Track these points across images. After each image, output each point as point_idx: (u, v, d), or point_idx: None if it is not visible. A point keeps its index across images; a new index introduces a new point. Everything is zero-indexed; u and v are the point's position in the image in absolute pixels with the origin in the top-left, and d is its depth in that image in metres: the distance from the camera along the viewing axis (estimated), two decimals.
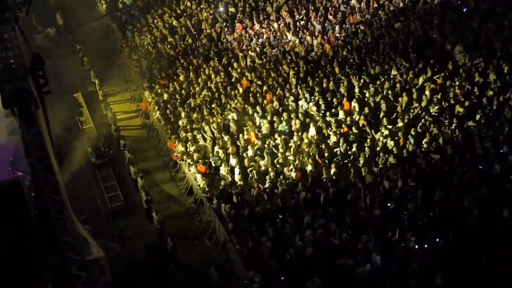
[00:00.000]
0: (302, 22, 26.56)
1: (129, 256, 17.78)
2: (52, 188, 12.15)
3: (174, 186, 21.09)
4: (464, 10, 25.37)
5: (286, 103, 21.81)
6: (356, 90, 21.56)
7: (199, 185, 19.38)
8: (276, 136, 20.12)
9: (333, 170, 18.50)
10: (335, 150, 19.40)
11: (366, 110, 20.48)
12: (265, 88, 22.65)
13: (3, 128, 23.91)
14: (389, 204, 17.18)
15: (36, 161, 11.85)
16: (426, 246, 15.61)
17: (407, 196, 17.16)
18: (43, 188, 12.21)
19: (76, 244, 12.90)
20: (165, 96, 23.55)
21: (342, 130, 19.92)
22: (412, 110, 20.27)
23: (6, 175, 20.62)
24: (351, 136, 19.69)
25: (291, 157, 19.27)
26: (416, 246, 15.63)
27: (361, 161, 18.69)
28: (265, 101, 21.98)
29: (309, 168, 18.70)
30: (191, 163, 19.90)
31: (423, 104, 20.36)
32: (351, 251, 15.84)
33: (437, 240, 15.68)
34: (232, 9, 28.05)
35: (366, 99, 21.17)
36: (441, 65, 22.03)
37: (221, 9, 28.21)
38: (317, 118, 20.73)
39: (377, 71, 22.49)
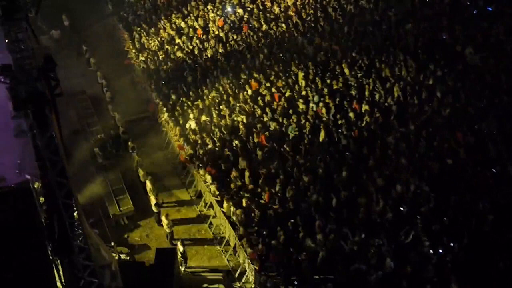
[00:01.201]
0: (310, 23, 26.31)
1: (139, 260, 17.59)
2: (65, 193, 11.94)
3: (184, 189, 20.88)
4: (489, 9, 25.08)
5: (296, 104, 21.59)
6: (366, 92, 21.33)
7: (209, 189, 19.15)
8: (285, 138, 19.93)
9: (344, 173, 18.28)
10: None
11: (377, 112, 20.27)
12: (274, 89, 22.42)
13: (10, 130, 23.86)
14: (401, 208, 17.01)
15: (49, 165, 11.60)
16: (440, 251, 15.42)
17: (420, 200, 16.98)
18: (56, 193, 11.98)
19: (88, 250, 12.69)
20: (173, 97, 23.35)
21: (353, 133, 19.70)
22: (423, 112, 20.05)
23: (14, 178, 20.56)
24: (362, 138, 19.47)
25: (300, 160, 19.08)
26: (431, 251, 15.44)
27: (372, 164, 18.47)
28: (274, 103, 21.73)
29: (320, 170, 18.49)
30: (201, 165, 19.69)
31: (435, 106, 20.16)
32: (364, 256, 15.67)
33: (452, 244, 15.49)
34: (240, 10, 27.80)
35: (376, 101, 20.96)
36: (451, 66, 21.83)
37: (229, 9, 27.99)
38: (327, 120, 20.50)
39: (386, 73, 22.28)
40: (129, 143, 22.10)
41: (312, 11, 27.19)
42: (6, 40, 11.06)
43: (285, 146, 19.66)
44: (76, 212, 12.50)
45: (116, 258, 15.93)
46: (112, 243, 17.81)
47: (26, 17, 12.56)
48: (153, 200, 19.16)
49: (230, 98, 22.53)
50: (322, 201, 17.50)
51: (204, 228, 19.17)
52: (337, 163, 18.75)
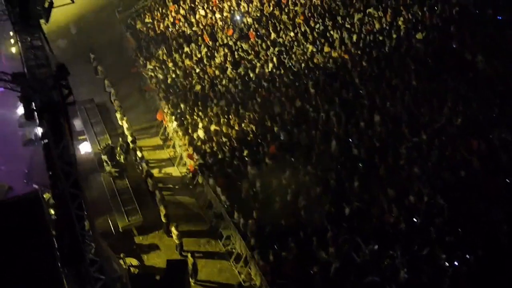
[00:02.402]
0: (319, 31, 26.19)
1: (149, 272, 17.36)
2: (78, 204, 11.74)
3: (193, 199, 20.65)
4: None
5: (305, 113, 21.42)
6: (377, 101, 21.15)
7: (219, 199, 18.94)
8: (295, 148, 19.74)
9: (356, 183, 18.07)
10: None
11: (388, 121, 20.09)
12: (283, 99, 22.26)
13: (17, 139, 23.79)
14: (415, 219, 16.77)
15: (63, 176, 11.40)
16: (456, 263, 15.16)
17: (434, 211, 16.74)
18: (68, 204, 11.78)
19: (101, 263, 12.48)
20: (182, 106, 23.20)
21: (364, 142, 19.49)
22: (435, 121, 19.86)
23: (21, 188, 20.42)
24: (373, 148, 19.27)
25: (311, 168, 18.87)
26: (446, 263, 15.19)
27: (384, 174, 18.25)
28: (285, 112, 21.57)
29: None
30: (210, 175, 19.48)
31: (446, 114, 19.97)
32: (378, 268, 15.42)
33: (468, 256, 15.23)
34: (249, 19, 27.71)
35: (387, 110, 20.78)
36: (462, 74, 21.66)
37: (237, 17, 27.91)
38: (338, 129, 20.31)
39: (397, 81, 22.12)
40: (138, 152, 21.93)
41: (320, 20, 27.06)
42: (21, 48, 10.93)
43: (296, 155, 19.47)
44: (88, 223, 12.30)
45: (127, 269, 15.68)
46: (122, 254, 17.58)
47: (39, 25, 12.47)
48: (162, 211, 18.95)
49: (239, 107, 22.36)
50: (334, 211, 17.30)
51: (214, 239, 18.88)
52: (349, 173, 18.55)
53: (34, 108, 11.86)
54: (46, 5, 13.65)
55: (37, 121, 12.90)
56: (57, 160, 11.28)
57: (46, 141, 12.94)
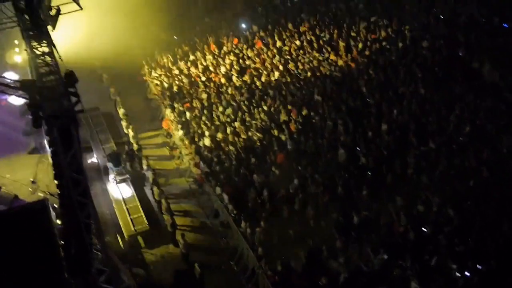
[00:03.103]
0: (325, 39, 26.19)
1: (155, 283, 17.16)
2: (87, 213, 11.61)
3: (199, 208, 20.48)
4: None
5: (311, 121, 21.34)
6: (384, 109, 21.05)
7: (226, 207, 18.78)
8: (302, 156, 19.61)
9: (364, 192, 17.92)
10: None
11: (395, 129, 19.97)
12: (290, 107, 22.17)
13: (22, 148, 23.67)
14: (424, 229, 16.60)
15: (72, 184, 11.27)
16: (467, 273, 14.97)
17: (443, 220, 16.58)
18: (77, 213, 11.65)
19: (109, 273, 12.33)
20: (188, 115, 23.10)
21: (371, 151, 19.36)
22: (443, 130, 19.74)
23: (27, 196, 20.29)
24: (381, 155, 19.14)
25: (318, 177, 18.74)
26: (457, 273, 15.00)
27: (392, 183, 18.11)
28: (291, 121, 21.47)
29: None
30: (217, 184, 19.34)
31: (453, 122, 19.86)
32: (388, 278, 15.23)
33: (479, 267, 15.04)
34: (254, 27, 27.70)
35: (394, 118, 20.67)
36: (469, 82, 21.58)
37: (243, 25, 27.89)
38: (345, 137, 20.19)
39: (403, 89, 22.05)
40: (144, 160, 21.78)
41: (326, 28, 27.07)
42: (30, 55, 10.84)
43: (303, 164, 19.34)
44: (97, 232, 12.17)
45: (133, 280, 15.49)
46: (128, 264, 17.41)
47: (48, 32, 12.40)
48: (168, 220, 18.78)
49: (246, 115, 22.26)
50: (343, 220, 17.16)
51: (221, 248, 18.69)
52: (357, 181, 18.41)
53: (42, 115, 11.77)
54: (53, 12, 13.66)
55: (44, 129, 12.83)
56: (66, 168, 11.14)
57: (53, 149, 12.91)
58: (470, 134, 19.44)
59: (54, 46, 12.33)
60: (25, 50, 12.63)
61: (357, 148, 19.66)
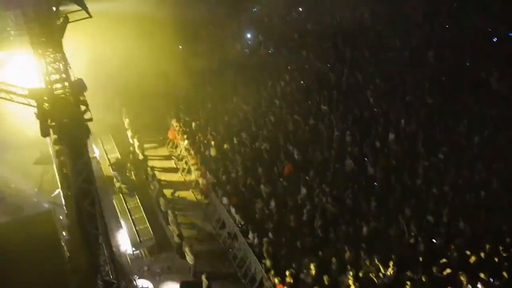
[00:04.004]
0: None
1: None
2: (96, 224, 11.40)
3: (206, 219, 20.23)
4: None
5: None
6: (391, 118, 20.92)
7: (232, 218, 18.55)
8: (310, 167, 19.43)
9: (373, 203, 17.71)
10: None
11: (403, 139, 19.82)
12: (296, 117, 22.02)
13: (28, 158, 23.45)
14: (434, 240, 16.37)
15: (81, 194, 11.05)
16: (479, 286, 14.70)
17: (454, 231, 16.35)
18: (85, 223, 11.42)
19: (117, 285, 12.10)
20: (193, 125, 22.94)
21: (379, 161, 19.18)
22: (452, 140, 19.59)
23: (32, 207, 20.07)
24: (389, 165, 18.95)
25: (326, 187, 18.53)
26: (469, 286, 14.73)
27: (401, 194, 17.90)
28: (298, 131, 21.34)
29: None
30: (223, 194, 19.13)
31: (462, 133, 19.72)
32: None
33: (491, 280, 14.78)
34: (260, 38, 27.67)
35: (402, 128, 20.52)
36: (477, 92, 21.47)
37: (249, 36, 27.85)
38: (353, 148, 20.02)
39: (410, 98, 21.95)
40: (149, 170, 21.57)
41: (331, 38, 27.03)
42: (39, 63, 10.68)
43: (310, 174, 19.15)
44: (105, 243, 11.95)
45: None
46: (134, 276, 17.17)
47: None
48: (175, 231, 18.53)
49: (252, 125, 22.11)
50: (352, 232, 16.94)
51: (228, 260, 18.43)
52: (365, 192, 18.22)
53: (51, 124, 11.60)
54: (61, 21, 13.54)
55: (51, 137, 12.63)
56: (76, 177, 10.93)
57: (61, 158, 12.71)
58: (479, 144, 19.28)
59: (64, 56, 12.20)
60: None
61: (365, 159, 19.48)
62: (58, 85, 10.79)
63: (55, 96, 10.54)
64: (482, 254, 15.41)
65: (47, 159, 22.69)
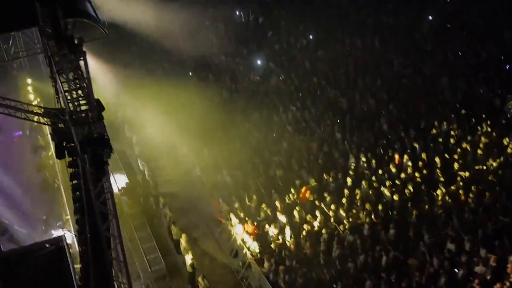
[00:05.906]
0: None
1: None
2: (115, 250, 10.88)
3: (219, 247, 19.66)
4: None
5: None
6: (407, 145, 20.60)
7: (247, 247, 18.02)
8: (325, 194, 19.00)
9: (392, 231, 17.22)
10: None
11: (420, 165, 19.45)
12: (309, 143, 21.72)
13: (36, 184, 23.14)
14: (456, 270, 15.82)
15: (100, 219, 10.57)
16: None
17: (476, 260, 15.81)
18: (105, 250, 10.90)
19: None
20: (205, 151, 22.61)
21: (396, 187, 18.76)
22: (470, 167, 19.19)
23: (40, 234, 19.62)
24: (407, 192, 18.51)
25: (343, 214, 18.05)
26: None
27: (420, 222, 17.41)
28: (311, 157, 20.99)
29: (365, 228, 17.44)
30: (238, 223, 18.66)
31: (481, 159, 19.33)
32: None
33: None
34: (271, 64, 27.61)
35: (418, 155, 20.18)
36: (493, 120, 21.19)
37: (258, 62, 27.80)
38: (368, 174, 19.63)
39: (424, 125, 21.71)
40: (160, 198, 21.10)
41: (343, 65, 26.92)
42: (60, 81, 10.38)
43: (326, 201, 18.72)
44: (124, 272, 11.41)
45: None
46: None
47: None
48: (187, 260, 17.97)
49: (265, 152, 21.80)
50: (371, 261, 16.42)
51: None
52: (383, 220, 17.75)
53: (67, 145, 11.27)
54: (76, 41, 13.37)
55: (67, 161, 12.24)
56: (94, 200, 10.46)
57: (76, 182, 12.28)
58: (498, 171, 18.88)
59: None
60: (50, 77, 12.18)
61: (381, 186, 19.08)
62: (82, 102, 10.44)
63: (77, 113, 10.13)
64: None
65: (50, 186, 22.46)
